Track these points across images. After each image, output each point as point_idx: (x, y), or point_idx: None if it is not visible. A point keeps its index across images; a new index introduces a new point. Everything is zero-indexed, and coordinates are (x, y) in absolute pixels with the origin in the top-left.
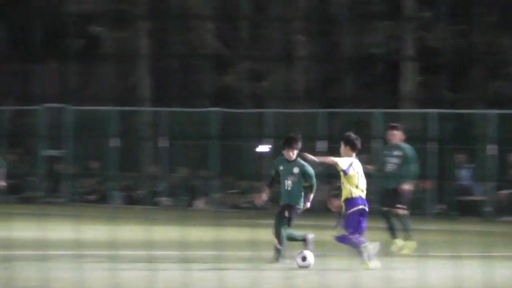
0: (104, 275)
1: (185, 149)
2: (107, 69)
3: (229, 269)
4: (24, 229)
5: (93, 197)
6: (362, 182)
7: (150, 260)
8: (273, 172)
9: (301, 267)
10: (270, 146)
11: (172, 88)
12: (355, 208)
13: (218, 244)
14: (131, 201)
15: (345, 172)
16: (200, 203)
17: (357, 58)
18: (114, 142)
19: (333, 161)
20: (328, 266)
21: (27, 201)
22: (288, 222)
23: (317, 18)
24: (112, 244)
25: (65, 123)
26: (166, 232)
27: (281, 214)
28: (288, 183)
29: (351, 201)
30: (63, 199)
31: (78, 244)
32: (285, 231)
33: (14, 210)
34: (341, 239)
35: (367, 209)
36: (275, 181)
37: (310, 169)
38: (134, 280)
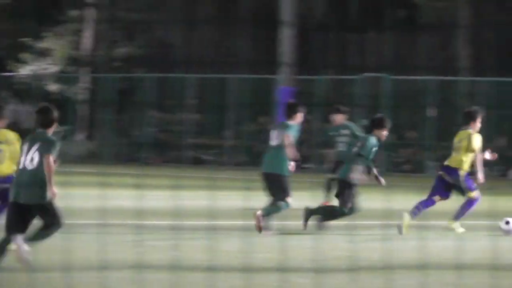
0: (414, 244)
1: (500, 118)
2: (426, 39)
3: None
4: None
5: (407, 166)
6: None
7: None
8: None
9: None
10: None
11: (489, 58)
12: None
13: None
14: None
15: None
16: None
17: None
18: (431, 112)
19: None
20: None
21: None
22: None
23: None
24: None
25: (383, 92)
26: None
27: None
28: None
29: None
30: (379, 169)
31: (386, 214)
32: None
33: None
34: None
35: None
36: None
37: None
38: (443, 249)
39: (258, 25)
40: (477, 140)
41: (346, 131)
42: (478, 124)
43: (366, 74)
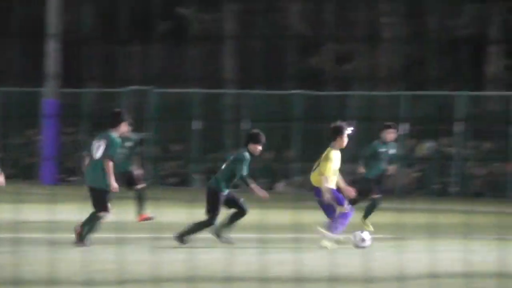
0: (183, 257)
1: (268, 131)
2: (194, 51)
3: (306, 252)
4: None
5: (174, 179)
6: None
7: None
8: None
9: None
10: (352, 129)
11: (256, 70)
12: None
13: (297, 227)
14: None
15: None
16: (280, 186)
17: (443, 40)
18: (197, 125)
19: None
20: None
21: None
22: None
23: (403, 0)
24: None
25: (149, 105)
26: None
27: None
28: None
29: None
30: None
31: (156, 227)
32: None
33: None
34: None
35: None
36: None
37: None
38: (212, 262)
39: (27, 37)
40: (334, 157)
41: (129, 143)
42: (344, 140)
43: (131, 87)
